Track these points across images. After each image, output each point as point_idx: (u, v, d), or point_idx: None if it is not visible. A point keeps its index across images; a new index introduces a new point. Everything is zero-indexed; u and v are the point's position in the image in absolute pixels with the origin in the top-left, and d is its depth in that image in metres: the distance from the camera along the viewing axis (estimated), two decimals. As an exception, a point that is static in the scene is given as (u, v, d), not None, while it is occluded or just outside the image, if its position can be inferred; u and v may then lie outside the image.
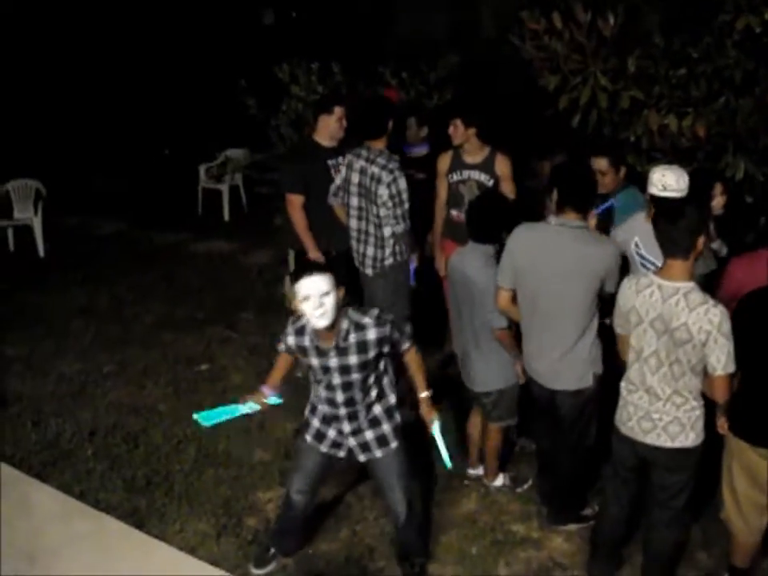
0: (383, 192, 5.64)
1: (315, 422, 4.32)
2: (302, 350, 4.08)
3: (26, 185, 10.10)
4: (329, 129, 6.04)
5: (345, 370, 4.01)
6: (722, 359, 3.68)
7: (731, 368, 3.71)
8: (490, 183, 6.00)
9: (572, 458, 4.71)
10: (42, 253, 9.97)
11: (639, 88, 5.38)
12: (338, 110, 6.03)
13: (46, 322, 7.90)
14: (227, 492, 5.29)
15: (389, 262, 5.85)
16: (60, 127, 12.41)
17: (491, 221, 4.78)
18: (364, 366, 4.02)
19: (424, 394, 4.29)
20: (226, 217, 11.29)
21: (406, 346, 4.20)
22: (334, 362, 4.00)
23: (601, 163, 5.26)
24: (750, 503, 4.04)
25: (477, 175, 6.03)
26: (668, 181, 4.51)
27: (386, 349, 4.06)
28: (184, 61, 12.73)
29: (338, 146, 6.08)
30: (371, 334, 3.96)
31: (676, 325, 3.71)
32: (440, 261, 6.38)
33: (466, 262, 4.80)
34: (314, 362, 4.06)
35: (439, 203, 6.28)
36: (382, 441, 4.26)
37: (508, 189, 5.94)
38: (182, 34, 12.80)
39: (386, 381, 4.24)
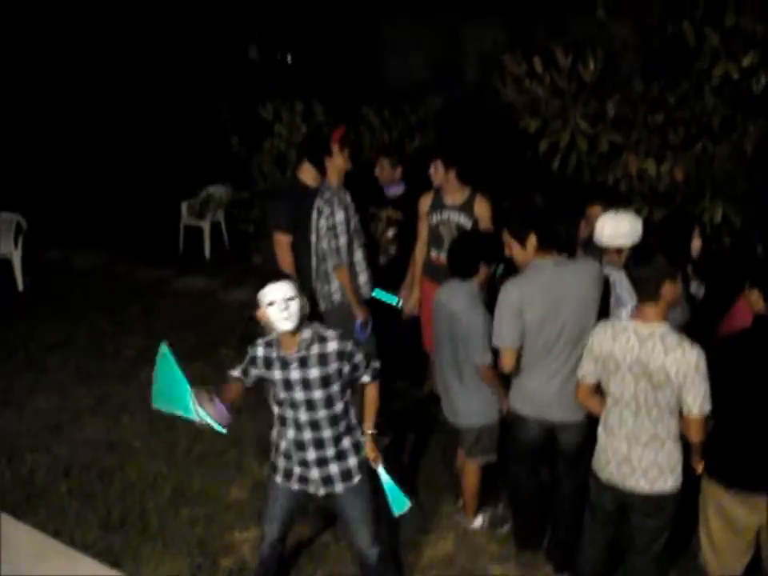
0: (322, 224, 5.75)
1: (281, 462, 4.27)
2: (268, 363, 4.10)
3: (5, 219, 10.05)
4: (312, 171, 6.07)
5: (306, 384, 4.02)
6: (698, 400, 3.71)
7: (707, 408, 3.74)
8: (469, 225, 6.04)
9: (579, 493, 4.57)
10: (21, 287, 9.90)
11: (618, 132, 5.45)
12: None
13: (23, 355, 7.85)
14: (202, 531, 5.24)
15: (336, 297, 5.89)
16: (42, 161, 12.42)
17: (471, 255, 4.84)
18: (326, 382, 4.02)
19: (369, 431, 4.28)
20: (207, 254, 11.27)
21: (366, 378, 4.22)
22: (295, 374, 4.02)
23: (596, 210, 5.28)
24: (727, 546, 4.04)
25: (456, 216, 6.06)
26: (622, 230, 4.64)
27: (346, 368, 4.07)
28: (168, 97, 12.81)
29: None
30: (332, 346, 4.03)
31: (654, 368, 3.74)
32: (414, 300, 6.39)
33: (452, 299, 4.84)
34: (278, 375, 4.07)
35: (420, 243, 6.31)
36: (345, 475, 4.21)
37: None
38: (167, 70, 12.89)
39: (353, 415, 4.23)
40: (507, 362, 4.53)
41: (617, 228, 4.66)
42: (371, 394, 4.31)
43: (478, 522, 5.25)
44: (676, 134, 5.32)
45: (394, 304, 6.34)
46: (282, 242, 6.00)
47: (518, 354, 4.52)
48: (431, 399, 6.57)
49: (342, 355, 4.05)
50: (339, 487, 4.20)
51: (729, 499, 3.92)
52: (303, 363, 4.03)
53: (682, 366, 3.69)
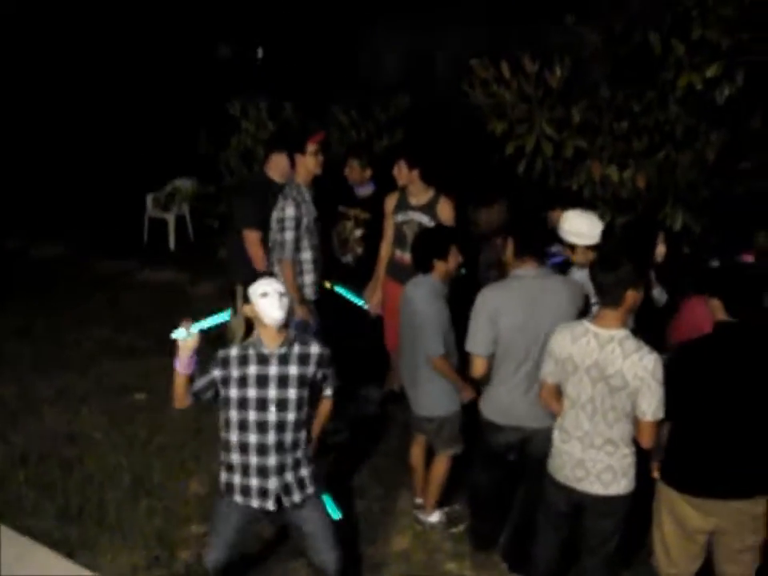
0: (274, 216, 5.83)
1: (237, 479, 4.17)
2: (243, 359, 4.10)
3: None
4: (279, 167, 6.10)
5: (283, 381, 4.06)
6: (652, 405, 3.78)
7: (660, 414, 3.81)
8: (431, 225, 6.09)
9: (538, 495, 4.54)
10: (-20, 275, 9.81)
11: (583, 138, 5.53)
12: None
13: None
14: (161, 523, 5.23)
15: (308, 291, 5.95)
16: (3, 149, 12.28)
17: (425, 251, 4.97)
18: (302, 382, 4.09)
19: (311, 447, 4.32)
20: (172, 246, 11.23)
21: (328, 392, 4.35)
22: (273, 369, 4.06)
23: (559, 215, 5.35)
24: (679, 550, 4.08)
25: (419, 217, 6.11)
26: (581, 228, 4.78)
27: (319, 375, 4.18)
28: (136, 89, 12.72)
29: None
30: (314, 349, 4.16)
31: (611, 372, 3.80)
32: (376, 299, 6.43)
33: (413, 293, 4.95)
34: (252, 370, 4.06)
35: (386, 242, 6.35)
36: (301, 484, 4.20)
37: None
38: (136, 63, 12.80)
39: (305, 435, 4.26)
40: (477, 370, 4.57)
41: (575, 225, 4.78)
42: (326, 408, 4.42)
43: (436, 517, 5.29)
44: (640, 141, 5.41)
45: (359, 304, 6.38)
46: (253, 238, 6.02)
47: (489, 363, 4.56)
48: (390, 398, 6.64)
49: (320, 362, 4.16)
50: (297, 497, 4.17)
51: (682, 504, 3.96)
52: (283, 360, 4.07)
53: (639, 371, 3.75)
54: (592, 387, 3.88)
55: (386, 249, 6.37)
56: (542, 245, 4.60)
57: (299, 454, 4.20)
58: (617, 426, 3.89)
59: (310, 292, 5.97)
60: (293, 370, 4.08)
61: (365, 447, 6.08)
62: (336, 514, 4.36)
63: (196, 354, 4.12)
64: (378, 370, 6.88)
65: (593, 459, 3.96)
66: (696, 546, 4.06)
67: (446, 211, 6.11)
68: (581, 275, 4.70)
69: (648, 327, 4.62)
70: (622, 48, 5.62)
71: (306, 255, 5.91)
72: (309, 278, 5.96)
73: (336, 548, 4.21)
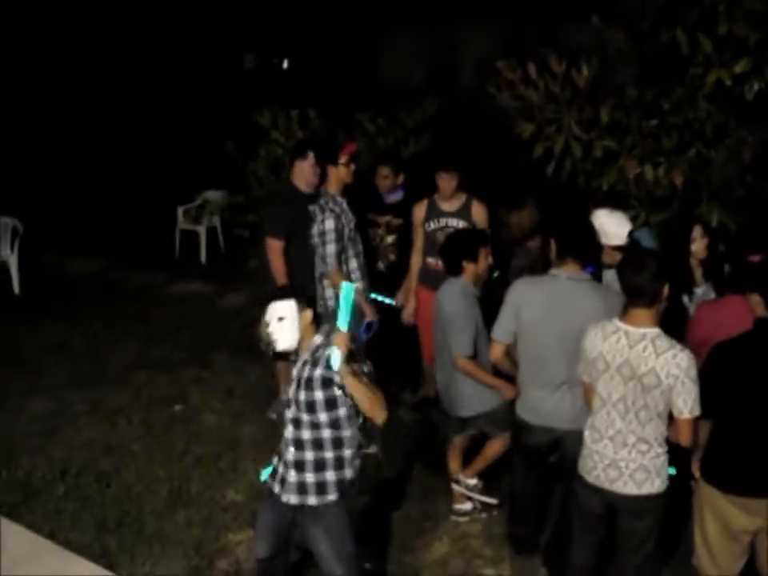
0: (315, 230, 5.85)
1: (275, 461, 4.22)
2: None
3: (2, 222, 10.07)
4: (303, 174, 6.10)
5: (298, 383, 4.01)
6: (688, 402, 3.75)
7: (697, 411, 3.78)
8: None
9: None
10: (17, 290, 9.92)
11: (612, 138, 5.50)
12: (312, 156, 6.07)
13: (19, 359, 7.85)
14: (199, 533, 5.25)
15: (331, 303, 5.95)
16: (39, 165, 12.43)
17: (454, 253, 5.02)
18: (308, 386, 3.96)
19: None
20: (203, 259, 11.30)
21: None
22: (297, 371, 4.06)
23: None
24: (722, 550, 4.04)
25: (455, 222, 6.11)
26: (608, 229, 4.73)
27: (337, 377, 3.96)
28: (164, 103, 12.83)
29: (316, 192, 6.11)
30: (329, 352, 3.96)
31: (644, 371, 3.77)
32: (410, 308, 6.43)
33: (444, 295, 4.99)
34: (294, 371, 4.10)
35: (415, 252, 6.35)
36: (321, 488, 4.03)
37: None
38: (163, 76, 12.91)
39: (346, 433, 4.05)
40: (493, 353, 4.67)
41: (602, 225, 4.72)
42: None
43: (474, 481, 5.31)
44: (669, 139, 5.37)
45: (392, 303, 6.40)
46: (275, 247, 6.03)
47: (506, 350, 4.63)
48: (426, 404, 6.63)
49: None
50: (312, 500, 4.03)
51: (725, 503, 3.92)
52: (305, 363, 4.03)
53: (673, 369, 3.73)
54: (624, 386, 3.85)
55: (416, 259, 6.37)
56: (583, 247, 4.49)
57: (326, 455, 4.03)
58: (649, 426, 3.86)
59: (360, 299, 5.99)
60: (307, 372, 3.98)
61: (402, 453, 6.07)
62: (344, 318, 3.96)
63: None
64: (413, 377, 6.89)
65: (625, 459, 3.92)
66: (739, 546, 4.02)
67: (481, 214, 6.14)
68: (611, 275, 4.67)
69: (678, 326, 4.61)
70: (648, 46, 5.59)
71: (353, 264, 5.96)
72: (358, 286, 5.96)
73: (341, 568, 4.07)
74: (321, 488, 4.04)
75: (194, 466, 5.99)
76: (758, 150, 5.23)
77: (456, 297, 4.93)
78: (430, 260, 6.22)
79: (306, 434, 4.03)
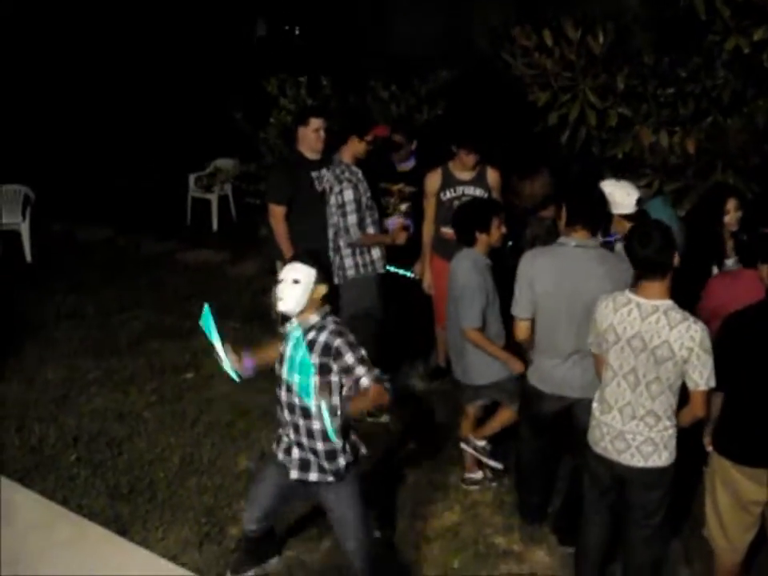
0: (333, 201, 5.81)
1: (279, 431, 4.23)
2: (286, 336, 4.10)
3: (14, 190, 10.06)
4: (306, 140, 6.08)
5: (291, 364, 3.98)
6: (704, 374, 3.72)
7: (713, 383, 3.75)
8: (485, 197, 6.05)
9: None
10: (29, 258, 9.93)
11: (627, 106, 5.43)
12: (314, 122, 6.04)
13: (31, 327, 7.87)
14: (210, 500, 5.27)
15: (351, 273, 5.94)
16: (49, 133, 12.40)
17: (466, 224, 4.99)
18: (321, 371, 3.88)
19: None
20: (215, 227, 11.28)
21: (366, 382, 3.88)
22: (288, 350, 4.03)
23: None
24: (733, 522, 4.04)
25: (472, 190, 6.07)
26: (616, 198, 4.63)
27: (333, 365, 3.89)
28: (175, 71, 12.77)
29: (322, 158, 6.10)
30: (323, 337, 3.92)
31: (657, 343, 3.74)
32: (427, 278, 6.42)
33: (457, 266, 4.99)
34: (281, 348, 4.10)
35: (427, 222, 6.31)
36: (321, 468, 4.07)
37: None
38: (174, 44, 12.84)
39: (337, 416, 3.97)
40: (519, 333, 4.62)
41: (610, 195, 4.65)
42: (370, 396, 3.92)
43: (483, 442, 5.31)
44: (686, 107, 5.30)
45: (409, 275, 6.40)
46: (278, 213, 6.06)
47: (531, 328, 4.56)
48: (437, 373, 6.63)
49: (328, 350, 3.89)
50: (313, 476, 4.09)
51: (737, 475, 3.91)
52: (296, 343, 3.98)
53: (687, 341, 3.69)
54: (635, 358, 3.83)
55: (428, 229, 6.33)
56: (592, 215, 4.43)
57: (318, 444, 4.02)
58: (659, 399, 3.83)
59: (379, 266, 6.01)
60: (300, 354, 3.92)
61: (413, 422, 6.07)
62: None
63: (246, 359, 4.23)
64: (424, 346, 6.89)
65: (633, 432, 3.90)
66: (751, 517, 4.02)
67: (496, 181, 6.11)
68: (620, 246, 4.63)
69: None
70: (665, 12, 5.50)
71: (371, 231, 5.92)
72: (376, 253, 6.00)
73: (358, 538, 4.13)
74: (321, 468, 4.07)
75: (205, 434, 6.01)
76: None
77: (468, 269, 4.92)
78: (446, 230, 6.17)
79: (301, 420, 4.03)
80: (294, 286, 3.91)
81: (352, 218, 5.78)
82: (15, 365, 7.10)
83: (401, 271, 6.37)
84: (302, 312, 3.96)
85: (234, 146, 8.83)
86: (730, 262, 4.96)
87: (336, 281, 5.91)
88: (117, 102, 12.83)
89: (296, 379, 3.92)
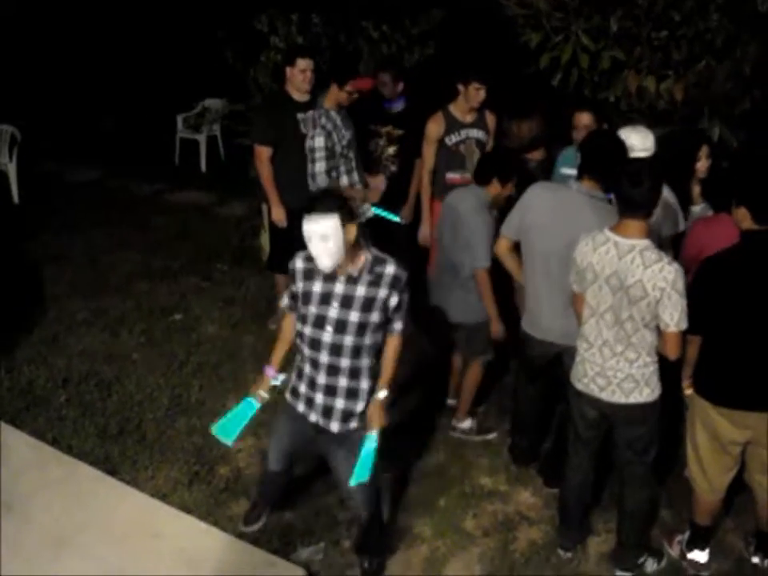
0: (307, 145, 5.77)
1: (294, 379, 4.04)
2: (308, 275, 3.83)
3: (0, 130, 9.95)
4: (293, 81, 6.02)
5: (347, 302, 3.73)
6: (675, 316, 3.73)
7: (684, 325, 3.76)
8: (487, 140, 6.02)
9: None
10: (16, 199, 9.86)
11: (620, 48, 5.38)
12: (301, 62, 5.97)
13: (19, 269, 7.81)
14: (199, 441, 5.31)
15: None
16: (36, 72, 12.22)
17: (488, 165, 5.05)
18: (368, 307, 3.72)
19: (382, 394, 3.92)
20: (203, 167, 11.21)
21: (398, 326, 3.89)
22: (339, 288, 3.75)
23: (585, 117, 5.31)
24: (712, 462, 4.11)
25: (475, 133, 6.05)
26: (633, 142, 4.55)
27: (393, 301, 3.76)
28: (163, 8, 12.54)
29: (310, 99, 6.05)
30: (390, 270, 3.74)
31: (631, 282, 3.75)
32: (426, 228, 6.32)
33: (460, 201, 4.96)
34: (317, 288, 3.79)
35: (427, 168, 6.20)
36: (346, 415, 3.92)
37: (490, 144, 6.03)
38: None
39: (369, 364, 3.91)
40: (498, 248, 4.73)
41: (627, 139, 4.52)
42: (395, 350, 3.96)
43: (468, 423, 5.38)
44: (679, 51, 5.25)
45: (396, 220, 6.35)
46: (262, 154, 6.03)
47: (510, 245, 4.66)
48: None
49: (395, 282, 3.75)
50: (335, 426, 3.94)
51: (716, 416, 3.97)
52: (352, 281, 3.74)
53: (660, 282, 3.70)
54: (612, 296, 3.84)
55: (428, 174, 6.21)
56: (604, 166, 4.28)
57: (359, 384, 3.90)
58: (636, 336, 3.85)
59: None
60: (360, 291, 3.72)
61: (400, 364, 6.08)
62: (360, 477, 3.86)
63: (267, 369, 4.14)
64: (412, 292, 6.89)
65: (613, 368, 3.94)
66: (729, 458, 4.09)
67: (493, 123, 6.13)
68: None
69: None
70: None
71: (344, 181, 5.87)
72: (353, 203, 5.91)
73: (363, 492, 4.03)
74: (346, 416, 3.93)
75: (194, 375, 6.04)
76: (761, 63, 5.11)
77: (476, 207, 4.88)
78: (452, 175, 6.09)
79: (345, 362, 3.83)
80: (326, 244, 3.61)
81: (320, 165, 5.72)
82: (3, 306, 7.08)
83: (386, 214, 6.31)
84: (345, 259, 3.70)
85: (223, 86, 8.71)
86: (697, 209, 4.96)
87: None
88: (104, 40, 12.61)
89: (353, 317, 3.74)
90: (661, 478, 4.67)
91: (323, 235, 3.60)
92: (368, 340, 3.81)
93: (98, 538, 4.46)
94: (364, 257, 3.75)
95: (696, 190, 4.98)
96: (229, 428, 4.14)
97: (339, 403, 3.91)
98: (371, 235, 5.96)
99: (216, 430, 4.17)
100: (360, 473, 3.84)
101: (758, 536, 4.38)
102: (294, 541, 4.51)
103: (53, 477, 4.93)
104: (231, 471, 5.05)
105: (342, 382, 3.87)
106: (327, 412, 3.94)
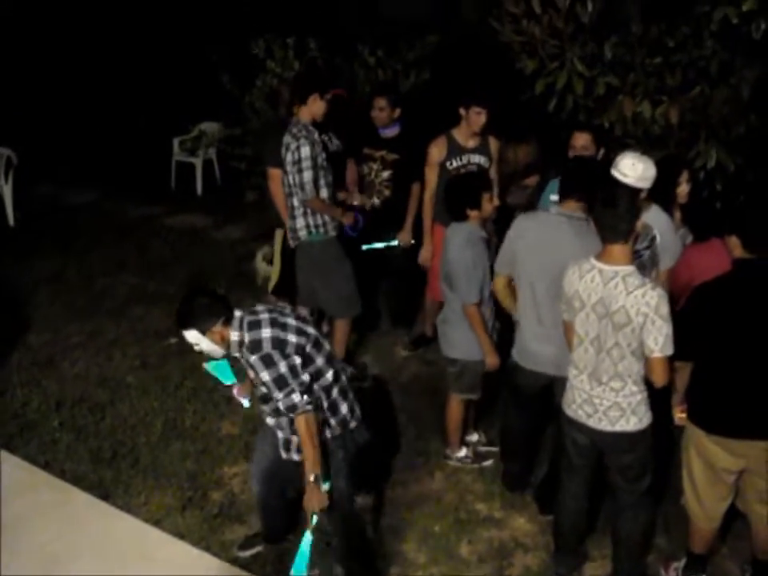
0: (288, 158, 5.68)
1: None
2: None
3: (-4, 152, 9.97)
4: (308, 108, 6.00)
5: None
6: (659, 341, 3.72)
7: (669, 350, 3.75)
8: (488, 165, 6.02)
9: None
10: (11, 222, 9.85)
11: (615, 75, 5.41)
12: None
13: (14, 291, 7.82)
14: (193, 465, 5.29)
15: (303, 234, 5.83)
16: (33, 96, 12.25)
17: (457, 201, 4.92)
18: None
19: (310, 477, 3.84)
20: (199, 191, 11.21)
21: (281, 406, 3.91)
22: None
23: (582, 138, 5.26)
24: (707, 490, 4.08)
25: (477, 159, 6.05)
26: (637, 171, 4.50)
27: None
28: (159, 33, 12.60)
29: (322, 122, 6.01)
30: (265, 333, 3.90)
31: (615, 308, 3.75)
32: (426, 250, 6.32)
33: (452, 236, 4.93)
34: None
35: (429, 192, 6.18)
36: (287, 444, 4.17)
37: (494, 170, 6.04)
38: (159, 4, 12.66)
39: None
40: (494, 285, 4.74)
41: (646, 170, 4.41)
42: (299, 427, 3.91)
43: (462, 452, 5.33)
44: (673, 78, 5.28)
45: (393, 245, 6.35)
46: (274, 177, 6.00)
47: (507, 282, 4.66)
48: (421, 341, 6.65)
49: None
50: (296, 456, 4.13)
51: (710, 444, 3.95)
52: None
53: (643, 307, 3.69)
54: (598, 323, 3.84)
55: (429, 198, 6.19)
56: (586, 188, 4.27)
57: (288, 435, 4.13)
58: (622, 364, 3.83)
59: (331, 228, 5.86)
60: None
61: (395, 389, 6.09)
62: (299, 570, 3.87)
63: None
64: (408, 315, 6.90)
65: (599, 396, 3.92)
66: (724, 486, 4.06)
67: (496, 149, 6.12)
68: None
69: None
70: (654, -19, 5.46)
71: (324, 193, 5.83)
72: (328, 216, 5.87)
73: (338, 510, 4.09)
74: (287, 444, 4.16)
75: (188, 399, 6.02)
76: (757, 88, 5.14)
77: (462, 245, 4.83)
78: None
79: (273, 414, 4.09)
80: (201, 347, 3.95)
81: (308, 174, 5.64)
82: (-2, 329, 7.08)
83: (379, 245, 6.31)
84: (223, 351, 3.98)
85: (219, 109, 8.75)
86: (680, 233, 4.94)
87: (291, 244, 5.96)
88: (101, 64, 12.67)
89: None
90: (657, 504, 4.65)
91: (194, 343, 3.96)
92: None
93: (90, 564, 4.43)
94: (232, 336, 3.92)
95: (677, 215, 4.97)
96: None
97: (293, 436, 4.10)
98: (369, 261, 6.06)
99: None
100: (297, 566, 3.89)
101: (753, 564, 4.35)
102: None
103: (45, 501, 4.91)
104: (225, 496, 5.02)
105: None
106: (286, 443, 4.17)
